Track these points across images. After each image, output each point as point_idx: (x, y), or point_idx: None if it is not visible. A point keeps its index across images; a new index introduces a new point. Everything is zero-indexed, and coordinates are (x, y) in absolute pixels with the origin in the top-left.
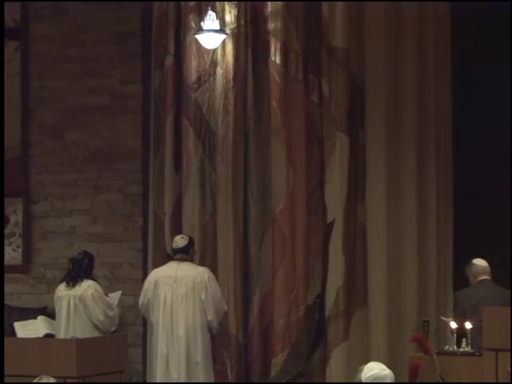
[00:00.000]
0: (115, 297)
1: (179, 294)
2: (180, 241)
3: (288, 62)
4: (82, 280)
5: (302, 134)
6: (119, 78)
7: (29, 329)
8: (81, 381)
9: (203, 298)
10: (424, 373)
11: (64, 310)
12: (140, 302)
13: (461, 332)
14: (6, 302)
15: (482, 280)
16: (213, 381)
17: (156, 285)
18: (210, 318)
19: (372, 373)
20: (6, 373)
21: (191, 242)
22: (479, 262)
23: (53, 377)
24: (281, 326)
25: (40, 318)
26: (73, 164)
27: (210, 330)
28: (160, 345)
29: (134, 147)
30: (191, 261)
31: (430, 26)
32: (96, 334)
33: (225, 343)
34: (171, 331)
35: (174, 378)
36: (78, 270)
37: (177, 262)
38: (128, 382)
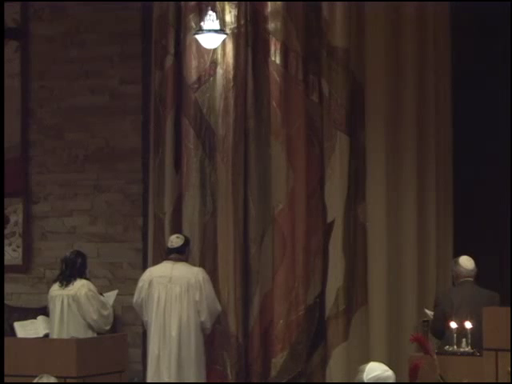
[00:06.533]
0: (111, 296)
1: (173, 294)
2: (175, 240)
3: (288, 62)
4: (75, 279)
5: (301, 133)
6: (119, 78)
7: (29, 329)
8: (81, 381)
9: (197, 298)
10: (424, 373)
11: (57, 310)
12: (134, 301)
13: (461, 332)
14: (6, 302)
15: (463, 281)
16: (205, 381)
17: (150, 284)
18: (203, 318)
19: (374, 374)
20: (6, 373)
21: (187, 242)
22: (465, 265)
23: (53, 377)
24: (281, 325)
25: (40, 317)
26: (73, 164)
27: (202, 330)
28: (152, 344)
29: (134, 147)
30: (186, 261)
31: (430, 26)
32: (90, 333)
33: (225, 343)
34: (164, 331)
35: (165, 378)
36: (72, 270)
37: (172, 262)
38: (129, 382)
